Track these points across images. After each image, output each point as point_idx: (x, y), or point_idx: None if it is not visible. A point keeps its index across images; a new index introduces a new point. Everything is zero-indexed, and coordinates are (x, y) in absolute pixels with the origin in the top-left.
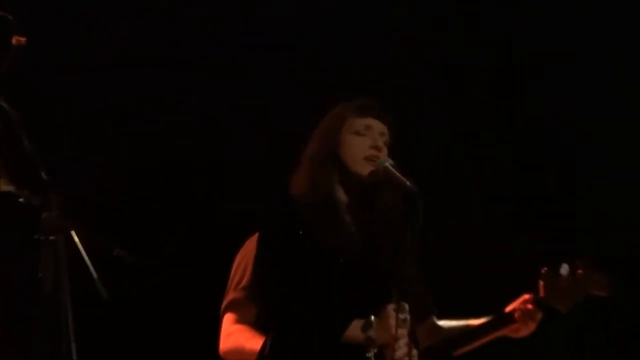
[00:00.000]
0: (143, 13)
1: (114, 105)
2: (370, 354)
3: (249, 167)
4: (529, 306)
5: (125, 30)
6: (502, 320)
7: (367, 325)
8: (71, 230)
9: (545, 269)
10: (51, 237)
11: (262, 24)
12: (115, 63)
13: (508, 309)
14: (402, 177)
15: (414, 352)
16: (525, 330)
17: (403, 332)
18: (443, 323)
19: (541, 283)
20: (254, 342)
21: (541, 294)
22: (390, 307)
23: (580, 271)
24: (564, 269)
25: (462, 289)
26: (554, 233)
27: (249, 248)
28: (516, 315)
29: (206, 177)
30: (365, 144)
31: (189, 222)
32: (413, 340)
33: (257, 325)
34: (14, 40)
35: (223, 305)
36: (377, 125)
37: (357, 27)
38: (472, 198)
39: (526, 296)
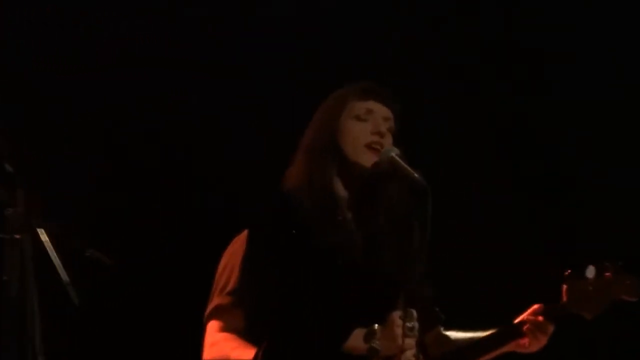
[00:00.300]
0: (143, 13)
1: (114, 105)
2: None
3: (249, 167)
4: (540, 318)
5: (125, 30)
6: (509, 333)
7: (370, 335)
8: (39, 228)
9: (569, 271)
10: (16, 236)
11: (262, 24)
12: (115, 63)
13: (517, 320)
14: (410, 169)
15: None
16: (535, 345)
17: (410, 342)
18: (450, 334)
19: (564, 287)
20: (241, 352)
21: (564, 298)
22: (396, 314)
23: (608, 274)
24: (590, 271)
25: (468, 295)
26: (560, 233)
27: (236, 248)
28: (525, 328)
29: (206, 177)
30: (367, 129)
31: (189, 223)
32: (421, 351)
33: (245, 334)
34: None
35: (207, 312)
36: (381, 110)
37: (357, 27)
38: (473, 198)
39: (535, 306)
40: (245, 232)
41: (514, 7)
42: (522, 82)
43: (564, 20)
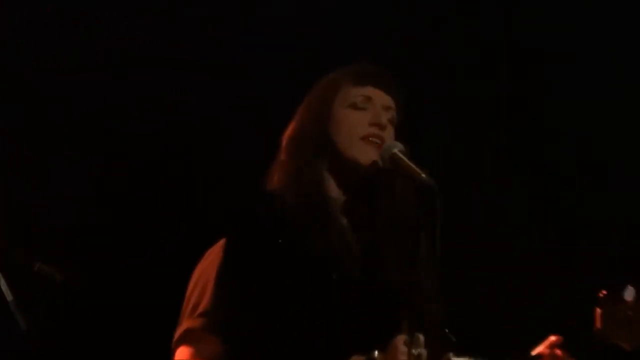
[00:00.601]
0: (143, 13)
1: (114, 105)
2: None
3: (249, 167)
4: (558, 352)
5: (125, 30)
6: None
7: None
8: None
9: (604, 292)
10: None
11: (262, 24)
12: (115, 63)
13: (533, 353)
14: (415, 167)
15: None
16: None
17: None
18: None
19: (598, 311)
20: None
21: (598, 325)
22: (400, 339)
23: None
24: (629, 293)
25: (468, 299)
26: (560, 233)
27: (210, 261)
28: None
29: (206, 177)
30: (364, 120)
31: (189, 224)
32: None
33: None
34: None
35: (176, 336)
36: (380, 97)
37: (357, 27)
38: (473, 199)
39: (553, 338)
40: (221, 243)
41: (514, 7)
42: (522, 82)
43: (564, 20)
